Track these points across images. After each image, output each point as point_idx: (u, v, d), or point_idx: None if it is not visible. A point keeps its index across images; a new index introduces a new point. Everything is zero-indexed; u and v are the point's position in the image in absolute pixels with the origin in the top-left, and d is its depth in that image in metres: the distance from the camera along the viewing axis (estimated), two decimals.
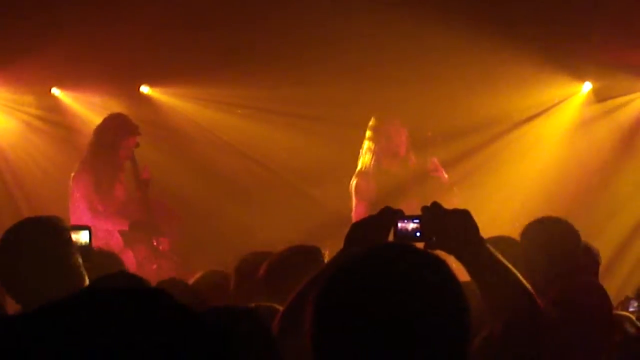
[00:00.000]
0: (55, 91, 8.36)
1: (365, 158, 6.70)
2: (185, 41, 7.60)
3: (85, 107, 8.27)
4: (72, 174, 6.75)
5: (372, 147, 6.68)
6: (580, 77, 8.00)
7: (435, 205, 2.60)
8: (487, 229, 2.81)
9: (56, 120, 8.32)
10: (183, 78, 8.17)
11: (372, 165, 6.63)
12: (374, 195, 6.43)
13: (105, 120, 6.91)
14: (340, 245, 2.70)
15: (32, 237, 3.28)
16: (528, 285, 2.58)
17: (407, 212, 2.70)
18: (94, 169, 6.66)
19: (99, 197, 6.64)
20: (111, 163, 6.73)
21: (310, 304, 1.75)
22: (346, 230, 2.73)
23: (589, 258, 4.30)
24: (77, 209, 6.59)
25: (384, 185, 6.54)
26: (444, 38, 7.19)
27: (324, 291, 1.76)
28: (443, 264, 1.80)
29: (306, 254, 3.69)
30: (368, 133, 6.76)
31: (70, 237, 3.34)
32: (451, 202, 6.26)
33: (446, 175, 6.73)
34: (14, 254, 3.27)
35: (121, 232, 6.66)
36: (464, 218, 2.54)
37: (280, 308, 2.80)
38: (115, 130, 6.78)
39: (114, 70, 7.85)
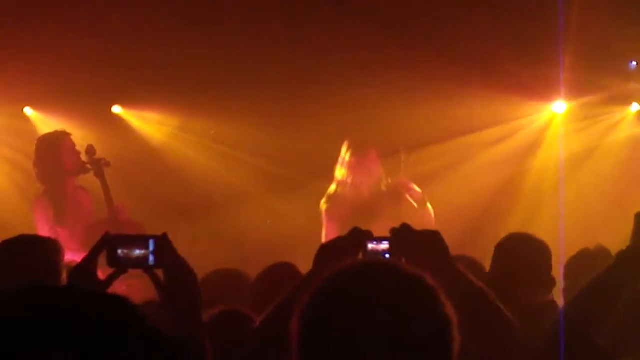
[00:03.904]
0: (27, 111, 8.29)
1: (338, 182, 6.58)
2: (158, 62, 7.58)
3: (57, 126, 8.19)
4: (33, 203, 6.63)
5: (346, 174, 6.54)
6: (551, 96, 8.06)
7: (405, 227, 2.59)
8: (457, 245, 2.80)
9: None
10: (156, 99, 8.15)
11: (345, 190, 6.51)
12: (346, 218, 6.28)
13: (34, 156, 6.71)
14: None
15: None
16: (500, 305, 2.58)
17: (382, 235, 2.69)
18: (51, 200, 6.52)
19: (61, 222, 6.49)
20: (64, 187, 6.59)
21: (296, 318, 1.74)
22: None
23: None
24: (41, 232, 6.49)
25: (357, 207, 6.45)
26: (412, 54, 7.24)
27: (311, 305, 1.75)
28: (426, 282, 1.79)
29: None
30: (342, 159, 6.61)
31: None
32: (424, 219, 6.26)
33: (419, 190, 6.56)
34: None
35: None
36: (433, 239, 2.53)
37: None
38: (41, 154, 6.59)
39: (85, 89, 7.79)
